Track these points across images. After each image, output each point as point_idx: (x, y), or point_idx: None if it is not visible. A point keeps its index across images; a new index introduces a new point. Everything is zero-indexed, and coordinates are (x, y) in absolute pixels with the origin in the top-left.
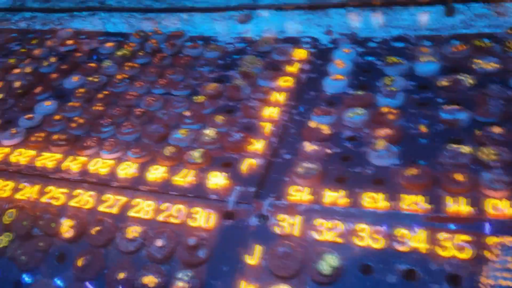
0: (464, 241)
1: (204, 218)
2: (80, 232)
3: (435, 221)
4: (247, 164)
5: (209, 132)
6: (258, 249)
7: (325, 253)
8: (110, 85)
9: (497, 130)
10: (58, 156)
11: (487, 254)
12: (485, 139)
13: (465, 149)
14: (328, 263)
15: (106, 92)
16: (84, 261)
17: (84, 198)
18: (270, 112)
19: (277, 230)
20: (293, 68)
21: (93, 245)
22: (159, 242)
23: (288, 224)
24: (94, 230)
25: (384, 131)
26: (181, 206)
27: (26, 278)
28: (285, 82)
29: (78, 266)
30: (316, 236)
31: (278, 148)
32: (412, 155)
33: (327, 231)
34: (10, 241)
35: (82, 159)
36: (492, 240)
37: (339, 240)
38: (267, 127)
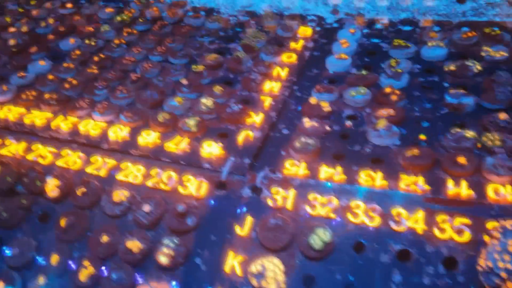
0: (463, 224)
1: (195, 187)
2: (66, 193)
3: (434, 202)
4: (244, 136)
5: (206, 102)
6: (249, 221)
7: (318, 227)
8: (107, 49)
9: (503, 116)
10: (48, 115)
11: (486, 238)
12: (490, 125)
13: (469, 133)
14: (320, 237)
15: (102, 56)
16: (67, 222)
17: (72, 159)
18: (271, 87)
19: (269, 202)
20: (297, 45)
21: (77, 206)
22: (146, 208)
23: (281, 197)
24: (80, 191)
25: (386, 111)
26: (172, 173)
27: (7, 251)
28: (288, 58)
29: (61, 226)
30: (309, 210)
31: (277, 122)
32: (413, 136)
33: (321, 206)
34: None
35: (73, 119)
36: (492, 224)
37: (333, 216)
38: (267, 101)
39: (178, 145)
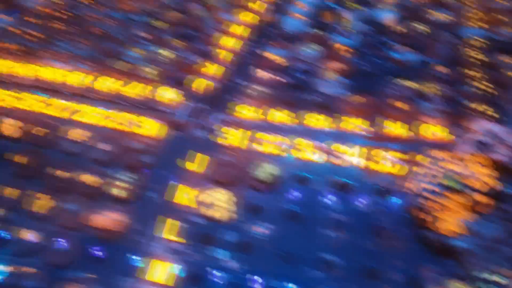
0: (396, 157)
1: (152, 128)
2: (24, 132)
3: (374, 140)
4: (200, 84)
5: (165, 53)
6: (201, 158)
7: (265, 162)
8: (72, 7)
9: (442, 69)
10: (10, 62)
11: (415, 168)
12: (430, 77)
13: (411, 83)
14: (267, 170)
15: (67, 12)
16: (24, 159)
17: (32, 102)
18: (229, 42)
19: (221, 141)
20: (255, 5)
21: (35, 145)
22: (103, 146)
23: (232, 137)
24: (38, 131)
25: (336, 65)
26: (129, 115)
27: None
28: (247, 17)
29: (18, 163)
30: (258, 148)
31: (233, 73)
32: (360, 86)
33: (269, 144)
34: None
35: (35, 67)
36: (421, 157)
37: (280, 152)
38: (224, 55)
39: (136, 91)
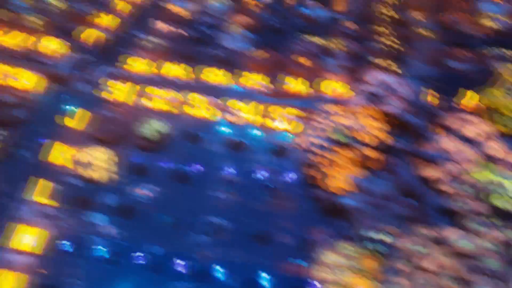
0: (293, 115)
1: (30, 81)
2: None
3: (272, 97)
4: (90, 35)
5: (56, 2)
6: (82, 113)
7: (153, 119)
8: None
9: (351, 26)
10: None
11: (301, 126)
12: (338, 33)
13: (317, 39)
14: (154, 127)
15: None
16: None
17: None
18: None
19: (106, 96)
20: None
21: None
22: None
23: (119, 91)
24: None
25: (243, 19)
26: (5, 67)
27: None
28: None
29: None
30: (147, 103)
31: (130, 25)
32: (265, 42)
33: (160, 99)
34: None
35: None
36: (317, 113)
37: (171, 109)
38: (122, 6)
39: (17, 40)
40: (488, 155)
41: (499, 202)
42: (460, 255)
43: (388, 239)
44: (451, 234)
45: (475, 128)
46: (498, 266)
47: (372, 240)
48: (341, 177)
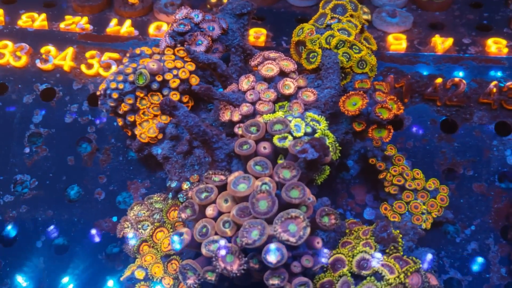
0: (111, 58)
1: None
2: None
3: (87, 39)
4: None
5: None
6: None
7: None
8: None
9: None
10: None
11: (113, 69)
12: None
13: None
14: None
15: None
16: None
17: None
18: None
19: None
20: None
21: None
22: None
23: None
24: None
25: None
26: None
27: None
28: None
29: None
30: None
31: None
32: None
33: None
34: None
35: None
36: (130, 54)
37: None
38: None
39: None
40: (283, 94)
41: (277, 140)
42: (238, 198)
43: (187, 186)
44: (232, 178)
45: (274, 66)
46: (266, 206)
47: (178, 191)
48: (147, 124)
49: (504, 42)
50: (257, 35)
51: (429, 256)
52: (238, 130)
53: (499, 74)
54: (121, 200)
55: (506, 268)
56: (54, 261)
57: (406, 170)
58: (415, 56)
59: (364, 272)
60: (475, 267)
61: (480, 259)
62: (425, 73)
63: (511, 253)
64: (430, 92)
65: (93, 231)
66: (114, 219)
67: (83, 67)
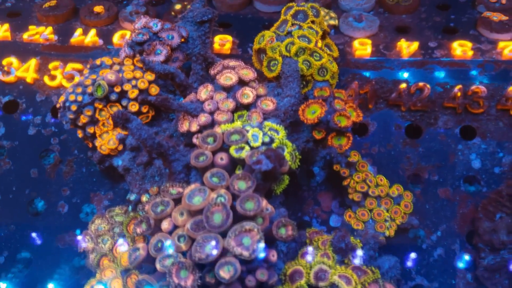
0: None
1: None
2: None
3: (50, 50)
4: None
5: None
6: None
7: None
8: None
9: None
10: None
11: (76, 79)
12: None
13: None
14: None
15: None
16: None
17: None
18: None
19: None
20: None
21: None
22: None
23: None
24: None
25: None
26: None
27: None
28: None
29: None
30: None
31: None
32: None
33: None
34: None
35: None
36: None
37: None
38: None
39: None
40: (241, 103)
41: (234, 151)
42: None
43: (146, 199)
44: (188, 191)
45: (233, 75)
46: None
47: (138, 203)
48: (107, 135)
49: (469, 44)
50: (222, 42)
51: (392, 264)
52: (196, 141)
53: (474, 73)
54: (84, 213)
55: (472, 274)
56: (19, 276)
57: (370, 177)
58: (379, 61)
59: (321, 284)
60: (441, 273)
61: (446, 265)
62: (389, 78)
63: (477, 259)
64: (395, 98)
65: (58, 244)
66: (77, 232)
67: (46, 79)
